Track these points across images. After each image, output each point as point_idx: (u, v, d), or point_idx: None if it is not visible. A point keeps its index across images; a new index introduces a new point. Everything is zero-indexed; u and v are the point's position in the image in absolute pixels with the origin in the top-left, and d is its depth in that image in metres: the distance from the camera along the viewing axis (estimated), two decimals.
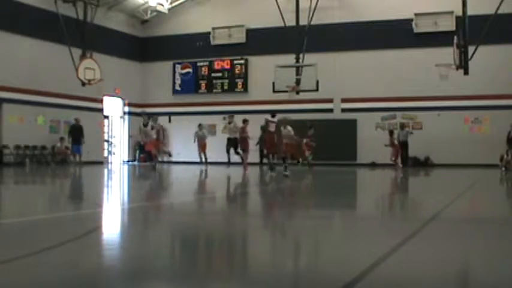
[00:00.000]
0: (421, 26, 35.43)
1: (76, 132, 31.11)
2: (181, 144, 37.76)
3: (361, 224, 9.22)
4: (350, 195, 15.88)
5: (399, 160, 31.34)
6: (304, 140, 31.25)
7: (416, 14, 35.38)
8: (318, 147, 33.15)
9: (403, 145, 31.78)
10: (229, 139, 28.12)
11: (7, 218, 9.26)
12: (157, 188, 17.72)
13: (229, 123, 28.55)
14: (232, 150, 27.97)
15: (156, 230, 8.17)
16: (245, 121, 27.88)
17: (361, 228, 8.74)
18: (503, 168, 27.23)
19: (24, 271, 4.37)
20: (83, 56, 33.31)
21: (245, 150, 27.30)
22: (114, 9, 38.36)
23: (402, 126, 33.23)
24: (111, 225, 9.08)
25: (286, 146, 24.17)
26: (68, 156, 33.05)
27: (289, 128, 26.26)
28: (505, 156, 28.19)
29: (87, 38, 33.33)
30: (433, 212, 10.07)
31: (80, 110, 34.02)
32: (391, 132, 31.31)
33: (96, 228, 8.33)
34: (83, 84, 32.97)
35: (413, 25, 35.49)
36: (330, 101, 36.54)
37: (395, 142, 31.00)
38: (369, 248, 6.59)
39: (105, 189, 17.81)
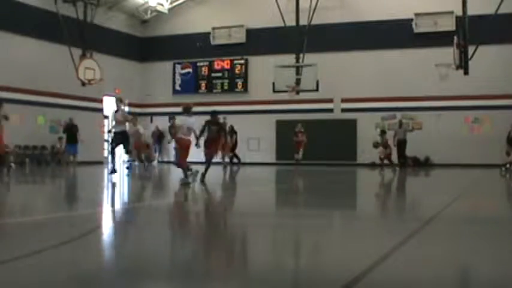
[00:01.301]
0: (421, 26, 35.41)
1: (70, 132, 30.85)
2: None
3: (361, 224, 9.21)
4: (349, 196, 15.87)
5: (392, 160, 30.26)
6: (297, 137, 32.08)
7: (416, 14, 35.35)
8: (318, 147, 33.23)
9: (402, 144, 30.65)
10: (115, 133, 20.54)
11: (7, 218, 9.26)
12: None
13: (124, 104, 21.97)
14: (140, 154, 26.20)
15: (154, 229, 8.18)
16: (172, 118, 26.23)
17: (360, 228, 8.74)
18: (503, 168, 27.17)
19: (23, 271, 4.37)
20: (83, 56, 33.28)
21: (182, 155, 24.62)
22: (114, 9, 38.35)
23: (400, 124, 31.82)
24: (110, 225, 9.08)
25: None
26: (64, 156, 32.94)
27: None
28: (506, 156, 28.15)
29: (87, 38, 33.31)
30: (433, 212, 10.06)
31: (80, 110, 34.00)
32: (383, 132, 30.73)
33: (95, 229, 8.33)
34: (83, 84, 32.93)
35: (413, 25, 35.49)
36: (330, 101, 36.52)
37: (388, 142, 30.10)
38: (368, 248, 6.59)
39: (105, 190, 17.81)
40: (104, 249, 6.73)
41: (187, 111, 17.36)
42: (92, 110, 35.80)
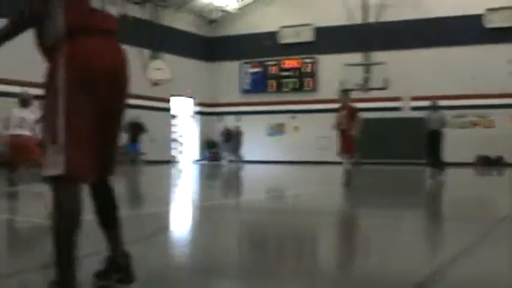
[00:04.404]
0: (493, 21, 34.72)
1: (133, 130, 30.46)
2: (250, 143, 37.90)
3: (430, 225, 9.07)
4: (413, 194, 15.66)
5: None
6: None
7: (488, 9, 34.69)
8: (387, 145, 32.85)
9: (434, 136, 20.67)
10: None
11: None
12: None
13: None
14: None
15: (224, 228, 8.20)
16: None
17: (429, 228, 8.60)
18: None
19: (93, 266, 4.41)
20: (152, 57, 33.69)
21: None
22: (183, 9, 38.66)
23: (434, 105, 21.93)
24: (180, 223, 9.15)
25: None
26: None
27: None
28: None
29: (156, 38, 33.69)
30: (505, 213, 9.86)
31: (148, 110, 34.25)
32: (345, 93, 18.83)
33: (165, 227, 8.40)
34: (152, 84, 33.30)
35: (485, 20, 34.83)
36: (399, 99, 36.11)
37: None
38: (437, 250, 6.48)
39: (173, 189, 18.00)
40: (174, 247, 6.78)
41: (24, 103, 12.85)
42: (160, 109, 36.10)
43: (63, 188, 3.82)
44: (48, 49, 4.00)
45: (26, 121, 12.45)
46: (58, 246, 3.80)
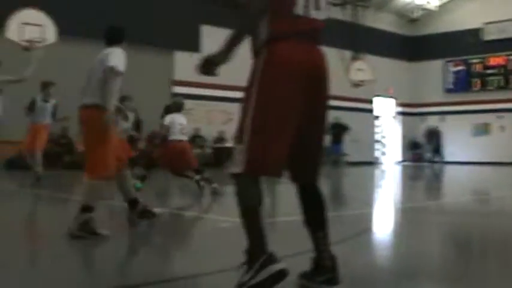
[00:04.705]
0: None
1: (336, 131, 30.24)
2: (453, 144, 37.07)
3: None
4: None
5: None
6: None
7: None
8: None
9: None
10: None
11: (279, 216, 9.71)
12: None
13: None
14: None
15: (427, 230, 8.15)
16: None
17: None
18: None
19: (301, 267, 4.58)
20: (353, 58, 33.81)
21: None
22: (383, 9, 38.49)
23: None
24: (382, 225, 9.19)
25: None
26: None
27: None
28: None
29: (356, 39, 33.78)
30: None
31: (350, 111, 34.32)
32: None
33: (368, 228, 8.48)
34: (354, 85, 33.40)
35: None
36: None
37: None
38: None
39: (377, 190, 18.02)
40: (377, 249, 6.86)
41: (178, 109, 13.18)
42: (362, 110, 36.11)
43: (241, 180, 4.09)
44: (256, 53, 4.23)
45: (185, 127, 13.10)
46: (247, 235, 4.10)
